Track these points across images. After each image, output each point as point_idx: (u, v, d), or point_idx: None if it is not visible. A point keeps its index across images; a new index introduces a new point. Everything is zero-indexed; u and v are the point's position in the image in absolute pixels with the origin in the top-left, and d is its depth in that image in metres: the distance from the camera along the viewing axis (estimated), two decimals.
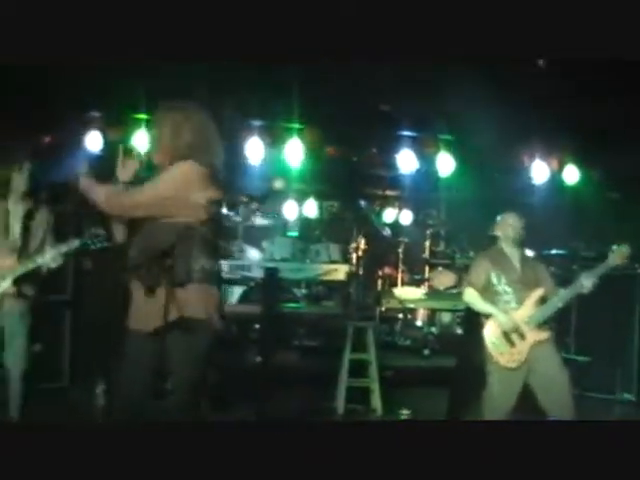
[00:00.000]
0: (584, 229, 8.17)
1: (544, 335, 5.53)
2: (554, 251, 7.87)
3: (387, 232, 8.64)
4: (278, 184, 7.12)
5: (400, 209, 8.86)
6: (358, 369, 7.24)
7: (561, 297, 5.49)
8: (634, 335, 8.61)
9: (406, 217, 8.90)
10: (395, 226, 8.83)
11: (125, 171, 3.83)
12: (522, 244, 5.72)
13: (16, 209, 5.44)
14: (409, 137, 8.67)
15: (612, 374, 8.54)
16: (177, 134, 3.80)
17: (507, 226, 5.70)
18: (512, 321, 5.54)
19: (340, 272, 7.21)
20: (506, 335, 5.54)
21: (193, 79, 6.58)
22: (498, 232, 5.83)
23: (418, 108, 7.96)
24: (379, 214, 8.64)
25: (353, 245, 7.60)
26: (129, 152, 3.82)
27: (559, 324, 5.79)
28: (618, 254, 5.40)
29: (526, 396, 5.61)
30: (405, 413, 6.67)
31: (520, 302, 5.55)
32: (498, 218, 5.84)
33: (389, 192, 8.90)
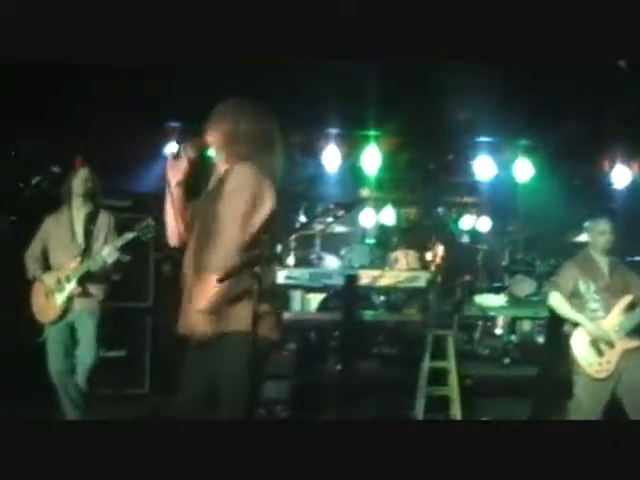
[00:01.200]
0: None
1: (634, 343, 5.43)
2: (638, 258, 7.69)
3: (465, 239, 8.57)
4: (365, 192, 7.16)
5: (478, 216, 8.76)
6: (437, 377, 7.18)
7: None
8: None
9: (484, 224, 8.80)
10: (473, 233, 8.74)
11: (175, 172, 3.67)
12: (611, 250, 5.63)
13: (78, 215, 5.69)
14: (487, 143, 8.61)
15: None
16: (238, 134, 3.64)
17: (597, 232, 5.63)
18: (601, 329, 5.44)
19: (419, 279, 7.16)
20: (595, 344, 5.45)
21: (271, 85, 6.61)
22: (588, 238, 5.73)
23: (496, 114, 7.87)
24: (457, 221, 8.56)
25: (431, 252, 7.55)
26: (179, 152, 3.69)
27: None
28: None
29: (612, 406, 5.51)
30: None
31: (608, 310, 5.47)
32: (587, 224, 5.73)
33: (467, 199, 8.82)
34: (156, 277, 7.81)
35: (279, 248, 6.43)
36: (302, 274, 7.03)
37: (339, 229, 7.99)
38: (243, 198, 3.46)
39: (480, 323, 8.02)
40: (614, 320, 5.46)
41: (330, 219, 7.67)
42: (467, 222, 8.67)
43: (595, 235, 5.65)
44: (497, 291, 7.91)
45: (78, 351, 5.56)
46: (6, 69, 4.86)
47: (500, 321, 7.92)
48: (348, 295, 6.93)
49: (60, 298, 5.56)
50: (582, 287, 5.53)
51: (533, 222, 8.57)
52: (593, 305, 5.52)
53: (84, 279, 5.53)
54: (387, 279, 7.04)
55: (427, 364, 7.10)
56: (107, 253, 5.47)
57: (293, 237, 7.40)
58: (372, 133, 8.24)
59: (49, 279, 5.60)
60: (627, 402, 5.43)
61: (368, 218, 8.31)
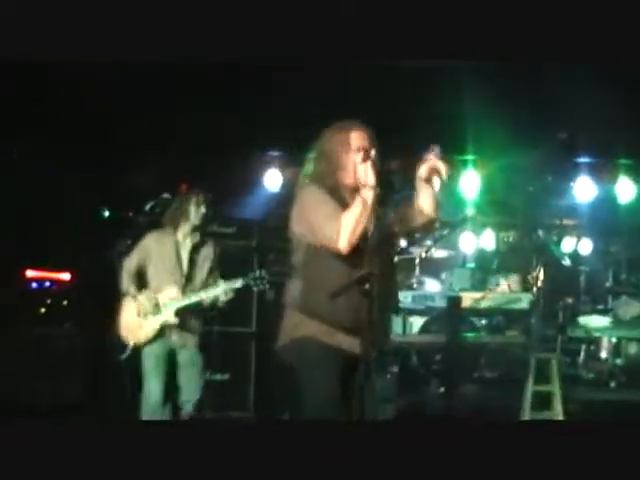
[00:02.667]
0: None
1: None
2: None
3: (567, 261, 8.48)
4: (470, 212, 7.17)
5: (579, 238, 8.67)
6: (541, 402, 7.11)
7: None
8: None
9: (586, 246, 8.70)
10: (575, 255, 8.65)
11: (370, 173, 3.57)
12: None
13: (185, 241, 5.61)
14: (586, 164, 8.51)
15: None
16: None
17: None
18: None
19: (521, 301, 7.14)
20: None
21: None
22: None
23: (594, 133, 7.80)
24: (558, 243, 8.49)
25: (533, 275, 7.51)
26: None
27: None
28: None
29: None
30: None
31: None
32: None
33: (567, 221, 8.73)
34: (258, 302, 7.97)
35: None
36: (405, 296, 7.09)
37: (439, 254, 8.03)
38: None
39: (584, 346, 7.91)
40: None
41: (430, 242, 7.76)
42: (568, 244, 8.58)
43: None
44: (601, 313, 7.79)
45: (183, 385, 5.47)
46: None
47: (605, 344, 7.80)
48: (450, 317, 6.96)
49: (155, 323, 5.42)
50: None
51: (636, 242, 8.43)
52: None
53: (184, 310, 5.43)
54: (489, 301, 7.04)
55: (531, 388, 7.04)
56: (222, 291, 5.36)
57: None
58: (470, 157, 8.25)
59: (146, 301, 5.44)
60: None
61: (468, 242, 8.32)
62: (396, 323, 7.88)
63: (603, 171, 8.56)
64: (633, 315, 7.80)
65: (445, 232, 7.40)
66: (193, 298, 5.44)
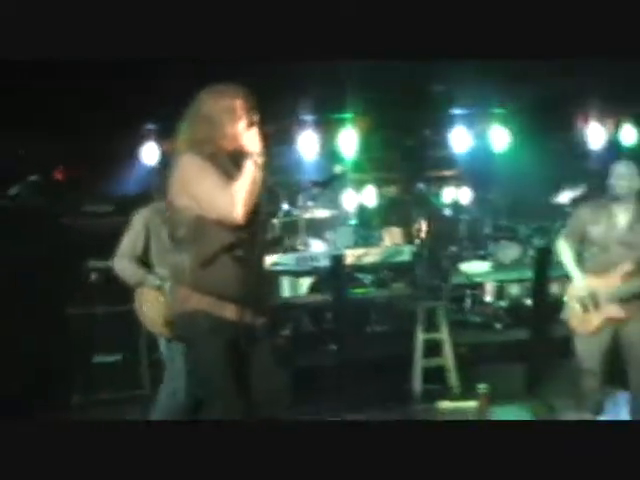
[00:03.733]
0: None
1: (621, 314, 5.15)
2: None
3: (448, 211, 8.65)
4: (339, 169, 7.17)
5: (458, 188, 8.86)
6: (432, 349, 7.28)
7: None
8: None
9: (465, 195, 8.90)
10: (455, 205, 8.84)
11: (255, 141, 3.55)
12: (631, 199, 5.11)
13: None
14: (461, 115, 8.65)
15: None
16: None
17: (614, 176, 5.11)
18: (587, 289, 5.21)
19: (403, 253, 7.23)
20: (581, 301, 5.24)
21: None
22: (611, 183, 5.15)
23: (468, 84, 7.92)
24: (438, 195, 8.65)
25: (415, 227, 7.63)
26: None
27: None
28: None
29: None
30: (483, 388, 6.67)
31: (613, 266, 5.13)
32: (611, 168, 5.17)
33: (446, 172, 8.90)
34: None
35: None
36: (289, 259, 7.09)
37: (322, 214, 8.06)
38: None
39: (469, 292, 8.11)
40: (612, 282, 5.14)
41: (311, 202, 7.79)
42: (448, 195, 8.76)
43: (612, 179, 5.10)
44: (482, 259, 7.99)
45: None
46: None
47: (488, 288, 8.02)
48: (336, 276, 7.01)
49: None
50: (593, 234, 5.17)
51: (513, 188, 8.66)
52: (601, 257, 5.18)
53: None
54: (372, 256, 7.11)
55: (421, 337, 7.19)
56: None
57: (277, 225, 7.48)
58: (347, 116, 8.27)
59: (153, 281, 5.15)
60: (628, 359, 5.25)
61: (350, 200, 8.39)
62: (285, 286, 7.93)
63: (477, 121, 8.73)
64: (512, 258, 8.01)
65: (315, 191, 7.43)
66: None
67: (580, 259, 5.30)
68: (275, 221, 7.41)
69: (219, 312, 3.52)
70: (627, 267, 5.09)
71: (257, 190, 3.47)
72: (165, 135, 8.01)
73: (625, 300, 5.11)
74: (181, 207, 3.59)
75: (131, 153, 8.04)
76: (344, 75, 7.22)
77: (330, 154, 8.28)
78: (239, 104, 3.61)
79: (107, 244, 6.93)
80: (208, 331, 3.51)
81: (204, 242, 3.54)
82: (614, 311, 5.14)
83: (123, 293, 6.60)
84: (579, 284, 5.26)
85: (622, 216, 5.14)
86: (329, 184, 7.33)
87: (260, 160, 3.47)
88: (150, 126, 8.13)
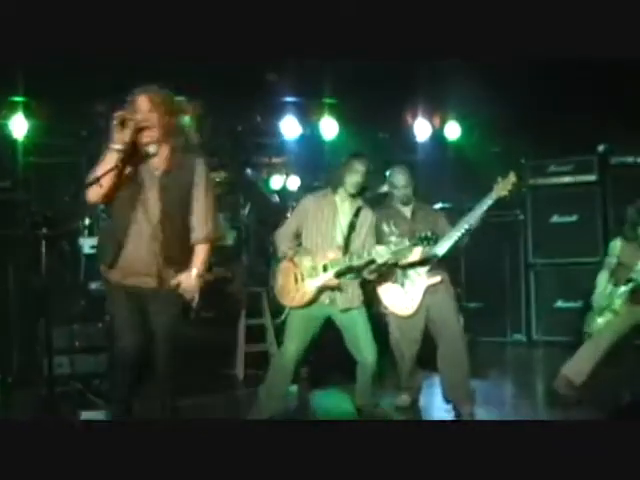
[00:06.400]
0: (467, 182, 8.41)
1: (435, 279, 5.67)
2: (440, 205, 8.06)
3: (275, 198, 8.69)
4: None
5: (287, 175, 8.91)
6: (255, 335, 7.31)
7: (448, 238, 5.60)
8: (521, 279, 8.99)
9: (294, 182, 8.97)
10: (283, 191, 8.89)
11: (122, 136, 4.15)
12: (409, 200, 5.83)
13: (343, 203, 5.33)
14: (292, 103, 8.72)
15: (502, 317, 8.93)
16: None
17: (394, 186, 5.83)
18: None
19: (227, 238, 7.21)
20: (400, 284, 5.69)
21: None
22: (387, 189, 5.93)
23: (301, 73, 7.99)
24: (267, 181, 8.67)
25: (241, 212, 7.62)
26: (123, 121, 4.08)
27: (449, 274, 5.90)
28: (503, 184, 5.49)
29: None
30: (304, 372, 6.76)
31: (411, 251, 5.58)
32: (387, 174, 5.89)
33: (275, 159, 8.92)
34: None
35: None
36: None
37: None
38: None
39: None
40: (415, 257, 5.63)
41: None
42: (277, 182, 8.80)
43: (393, 188, 5.84)
44: None
45: (357, 348, 5.22)
46: None
47: None
48: None
49: (312, 285, 5.19)
50: (386, 229, 5.63)
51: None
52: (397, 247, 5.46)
53: (343, 273, 5.21)
54: None
55: (244, 322, 7.21)
56: (378, 253, 5.08)
57: None
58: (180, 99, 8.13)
59: (306, 261, 5.24)
60: (436, 338, 5.70)
61: None
62: None
63: (308, 110, 8.83)
64: None
65: None
66: (355, 261, 5.17)
67: None
68: None
69: (125, 281, 4.40)
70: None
71: (111, 178, 4.19)
72: None
73: (432, 269, 5.66)
74: None
75: None
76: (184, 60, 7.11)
77: None
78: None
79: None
80: (115, 297, 4.48)
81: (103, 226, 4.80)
82: (429, 279, 5.69)
83: None
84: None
85: (406, 210, 5.84)
86: None
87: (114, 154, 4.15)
88: None
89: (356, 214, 5.35)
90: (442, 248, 5.59)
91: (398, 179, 5.81)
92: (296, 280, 5.26)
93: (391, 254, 5.13)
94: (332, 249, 5.25)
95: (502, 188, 5.49)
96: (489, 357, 7.91)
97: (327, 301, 5.27)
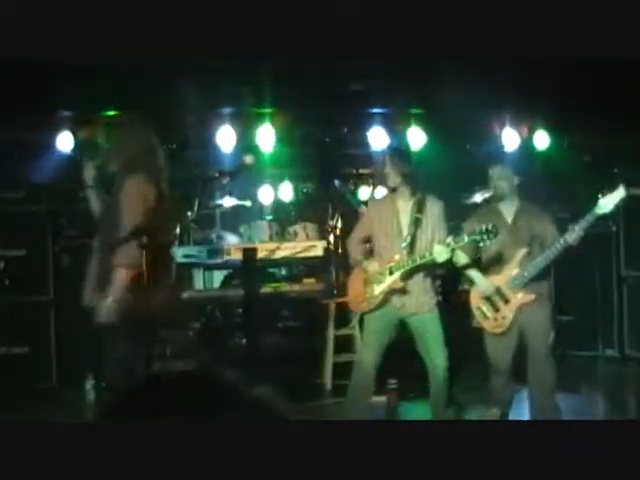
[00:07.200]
0: (558, 192, 8.26)
1: (528, 297, 5.35)
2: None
3: (363, 209, 8.67)
4: (249, 159, 7.13)
5: (375, 186, 8.89)
6: (343, 345, 7.31)
7: (545, 257, 5.30)
8: (613, 292, 8.76)
9: (381, 193, 8.94)
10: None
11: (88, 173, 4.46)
12: (511, 195, 5.47)
13: (404, 199, 5.34)
14: (379, 114, 8.72)
15: (594, 332, 8.70)
16: (122, 148, 4.44)
17: (493, 178, 5.51)
18: (492, 286, 5.38)
19: (317, 249, 7.23)
20: (489, 300, 5.40)
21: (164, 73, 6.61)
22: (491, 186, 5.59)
23: (387, 84, 7.99)
24: (354, 192, 8.69)
25: (330, 223, 7.65)
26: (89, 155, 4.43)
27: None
28: (609, 198, 5.12)
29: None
30: (392, 384, 6.71)
31: (508, 261, 5.37)
32: (490, 172, 5.58)
33: (362, 170, 8.93)
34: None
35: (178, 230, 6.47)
36: (200, 251, 7.01)
37: (238, 207, 8.00)
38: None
39: None
40: (509, 272, 5.36)
41: (227, 195, 7.74)
42: (364, 193, 8.80)
43: (492, 182, 5.53)
44: None
45: (428, 353, 5.26)
46: None
47: None
48: (247, 269, 6.96)
49: (378, 289, 5.22)
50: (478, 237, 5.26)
51: (431, 188, 8.73)
52: (496, 255, 5.41)
53: (409, 275, 5.20)
54: (285, 251, 7.09)
55: (332, 332, 7.21)
56: (438, 252, 5.01)
57: (192, 218, 7.40)
58: (266, 110, 8.24)
59: (372, 266, 5.27)
60: (528, 354, 5.50)
61: (266, 194, 8.35)
62: (197, 278, 7.85)
63: (395, 121, 8.82)
64: None
65: (224, 181, 7.38)
66: (419, 261, 5.17)
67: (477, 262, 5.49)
68: (189, 213, 7.35)
69: None
70: (520, 254, 5.32)
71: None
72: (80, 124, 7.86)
73: (526, 285, 5.33)
74: None
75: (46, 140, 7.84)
76: (264, 69, 7.21)
77: (248, 148, 8.23)
78: None
79: (17, 232, 6.78)
80: None
81: None
82: (522, 297, 5.31)
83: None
84: (483, 285, 5.38)
85: (507, 213, 5.44)
86: (237, 174, 7.30)
87: None
88: (66, 113, 7.93)
89: (419, 210, 5.27)
90: (533, 268, 5.32)
91: (494, 171, 5.52)
92: (365, 285, 5.27)
93: (450, 252, 5.01)
94: (397, 251, 5.21)
95: (608, 202, 5.13)
96: (580, 372, 7.74)
97: (398, 305, 5.24)
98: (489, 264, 5.48)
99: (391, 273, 5.19)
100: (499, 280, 5.42)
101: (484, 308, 5.51)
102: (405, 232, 5.27)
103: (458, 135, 9.00)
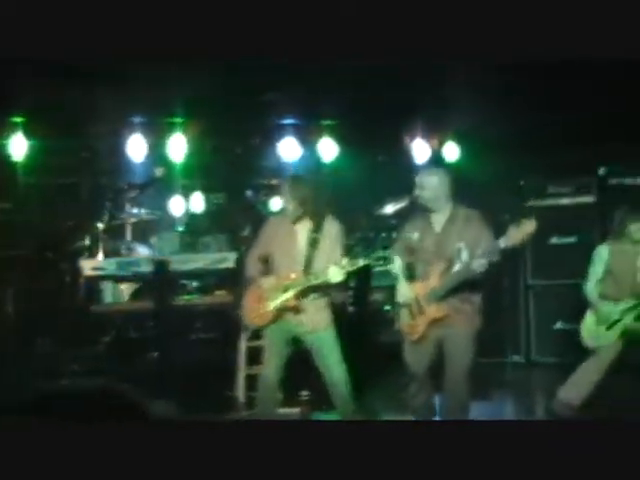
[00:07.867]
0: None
1: (441, 313, 5.28)
2: None
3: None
4: (159, 172, 7.07)
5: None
6: (256, 357, 7.26)
7: (451, 278, 5.21)
8: (519, 300, 8.98)
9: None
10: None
11: None
12: (446, 204, 5.38)
13: (299, 223, 5.45)
14: (291, 125, 8.73)
15: (502, 338, 8.89)
16: None
17: (418, 187, 5.42)
18: (408, 294, 5.39)
19: (227, 260, 7.20)
20: (407, 306, 5.39)
21: None
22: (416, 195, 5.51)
23: (299, 95, 8.01)
24: (265, 203, 8.67)
25: (242, 234, 7.62)
26: None
27: None
28: (518, 231, 5.02)
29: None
30: (305, 395, 6.72)
31: (431, 272, 5.31)
32: (416, 179, 5.50)
33: (274, 181, 8.92)
34: None
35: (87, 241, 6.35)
36: (109, 264, 6.90)
37: (148, 219, 7.90)
38: None
39: None
40: (429, 284, 5.30)
41: (136, 207, 7.64)
42: (276, 204, 8.80)
43: (418, 190, 5.42)
44: None
45: (326, 369, 5.40)
46: None
47: None
48: (158, 282, 6.89)
49: (272, 305, 5.35)
50: (413, 242, 5.40)
51: (340, 199, 8.78)
52: (420, 264, 5.38)
53: (303, 294, 5.32)
54: (195, 263, 7.04)
55: (244, 344, 7.17)
56: (332, 273, 5.18)
57: (102, 229, 7.28)
58: (177, 120, 8.15)
59: (267, 283, 5.40)
60: (447, 373, 5.45)
61: (177, 205, 8.26)
62: (106, 291, 7.71)
63: (307, 132, 8.84)
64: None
65: (134, 193, 7.31)
66: (313, 281, 5.26)
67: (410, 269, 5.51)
68: (100, 225, 7.22)
69: None
70: (439, 268, 5.28)
71: None
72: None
73: (443, 299, 5.28)
74: None
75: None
76: (175, 78, 7.14)
77: (159, 158, 8.13)
78: None
79: None
80: None
81: None
82: (435, 311, 5.29)
83: None
84: (401, 291, 5.45)
85: (437, 222, 5.38)
86: (148, 187, 7.23)
87: None
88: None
89: (316, 230, 5.39)
90: (448, 283, 5.24)
91: (421, 181, 5.41)
92: (259, 301, 5.41)
93: (345, 274, 5.19)
94: (294, 269, 5.34)
95: (516, 236, 5.05)
96: (488, 378, 7.88)
97: (294, 322, 5.38)
98: (419, 272, 5.44)
99: (286, 291, 5.32)
100: (420, 289, 5.37)
101: (404, 313, 5.48)
102: (302, 252, 5.39)
103: (370, 146, 9.07)
